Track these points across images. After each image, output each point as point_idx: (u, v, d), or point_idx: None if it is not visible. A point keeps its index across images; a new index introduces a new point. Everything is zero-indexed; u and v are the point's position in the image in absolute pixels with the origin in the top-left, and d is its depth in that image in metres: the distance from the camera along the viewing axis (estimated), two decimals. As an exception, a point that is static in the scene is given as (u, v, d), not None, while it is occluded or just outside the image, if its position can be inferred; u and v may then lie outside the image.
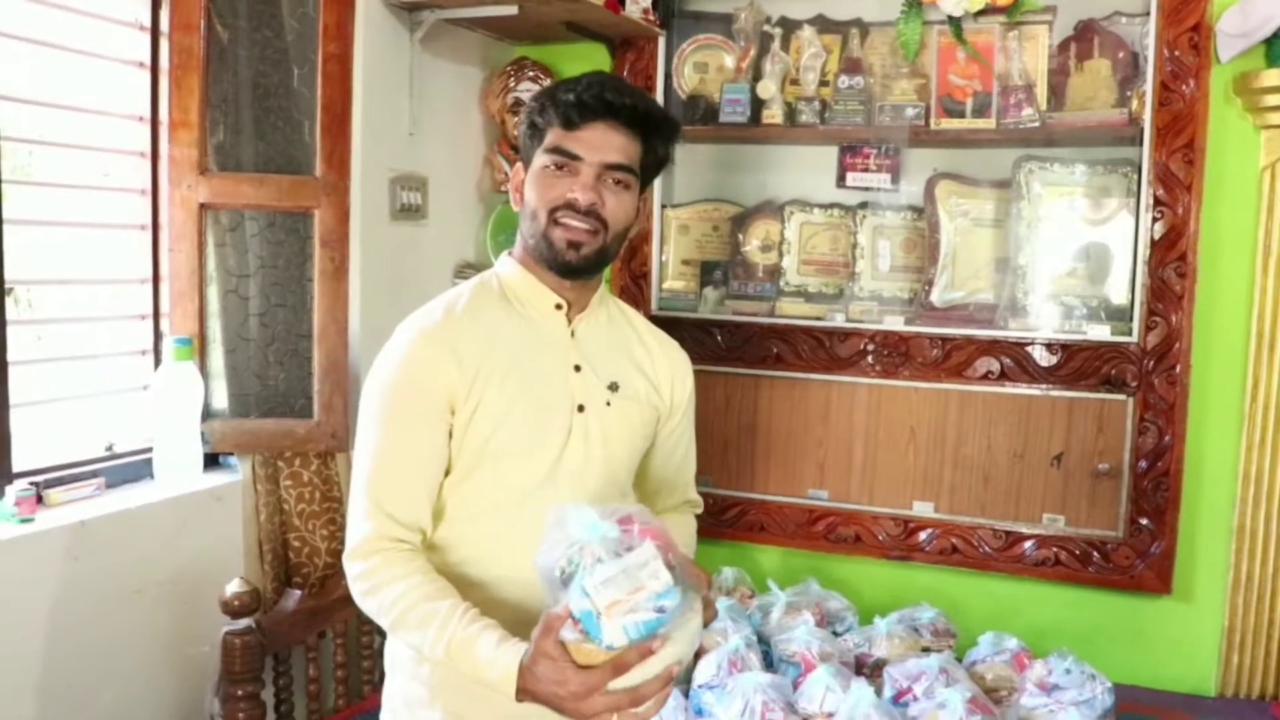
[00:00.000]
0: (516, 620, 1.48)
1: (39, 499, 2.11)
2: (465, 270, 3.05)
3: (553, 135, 1.58)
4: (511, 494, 1.59)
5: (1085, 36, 2.69)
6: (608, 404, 1.65)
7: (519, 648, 1.40)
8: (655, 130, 1.63)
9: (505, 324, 1.63)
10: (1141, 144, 2.58)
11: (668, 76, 3.01)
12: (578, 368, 1.63)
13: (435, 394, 1.56)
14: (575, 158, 1.57)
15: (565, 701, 1.35)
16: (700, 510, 1.90)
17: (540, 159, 1.60)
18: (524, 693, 1.38)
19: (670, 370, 1.77)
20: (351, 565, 1.54)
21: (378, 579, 1.51)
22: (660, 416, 1.75)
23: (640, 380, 1.71)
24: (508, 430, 1.57)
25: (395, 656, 1.66)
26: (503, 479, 1.58)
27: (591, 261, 1.61)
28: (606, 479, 1.65)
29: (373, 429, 1.57)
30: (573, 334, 1.65)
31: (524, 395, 1.58)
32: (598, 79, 1.59)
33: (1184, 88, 2.52)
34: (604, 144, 1.58)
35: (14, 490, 2.05)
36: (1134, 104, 2.61)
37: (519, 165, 1.65)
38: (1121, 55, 2.66)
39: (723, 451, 2.97)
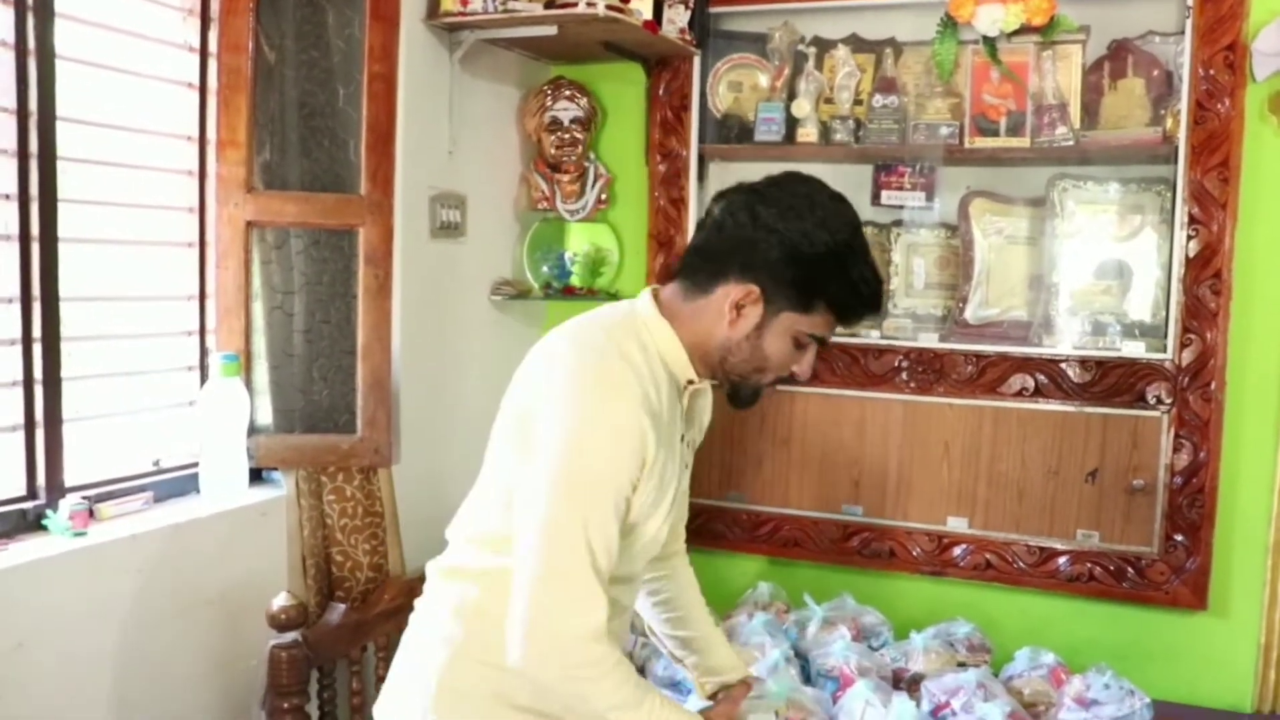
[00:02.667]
0: None
1: (91, 513, 2.13)
2: (502, 287, 3.08)
3: (824, 320, 1.60)
4: (632, 565, 1.65)
5: (1119, 56, 2.71)
6: (687, 465, 1.70)
7: None
8: None
9: (664, 393, 1.60)
10: (1176, 162, 2.59)
11: (702, 96, 3.04)
12: (683, 437, 1.65)
13: (635, 468, 1.54)
14: (823, 344, 1.64)
15: None
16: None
17: (799, 328, 1.60)
18: None
19: (709, 410, 1.80)
20: (594, 646, 1.51)
21: (612, 661, 1.54)
22: None
23: (698, 433, 1.76)
24: (649, 508, 1.59)
25: (469, 692, 1.66)
26: (629, 550, 1.61)
27: None
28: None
29: (585, 495, 1.51)
30: (685, 406, 1.67)
31: (665, 472, 1.60)
32: (880, 279, 1.62)
33: (1219, 106, 2.54)
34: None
35: (67, 504, 2.08)
36: (1168, 122, 2.62)
37: (755, 291, 1.57)
38: (1155, 74, 2.68)
39: (757, 467, 2.99)
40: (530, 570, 1.50)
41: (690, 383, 1.65)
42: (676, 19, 2.87)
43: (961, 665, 2.49)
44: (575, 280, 3.15)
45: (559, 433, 1.50)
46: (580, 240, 3.22)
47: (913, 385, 2.83)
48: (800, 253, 1.54)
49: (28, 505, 2.09)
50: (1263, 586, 2.63)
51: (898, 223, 2.94)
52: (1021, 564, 2.78)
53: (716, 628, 2.03)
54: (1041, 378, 2.73)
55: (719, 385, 1.70)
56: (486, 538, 1.65)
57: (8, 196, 2.02)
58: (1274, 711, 2.62)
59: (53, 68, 2.07)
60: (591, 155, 3.16)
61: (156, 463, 2.39)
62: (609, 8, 2.58)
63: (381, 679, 2.45)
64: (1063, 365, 2.71)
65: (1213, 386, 2.59)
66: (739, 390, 1.67)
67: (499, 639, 1.61)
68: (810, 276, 1.55)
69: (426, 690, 1.64)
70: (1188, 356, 2.61)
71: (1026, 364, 2.75)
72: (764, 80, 3.04)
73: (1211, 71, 2.54)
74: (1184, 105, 2.57)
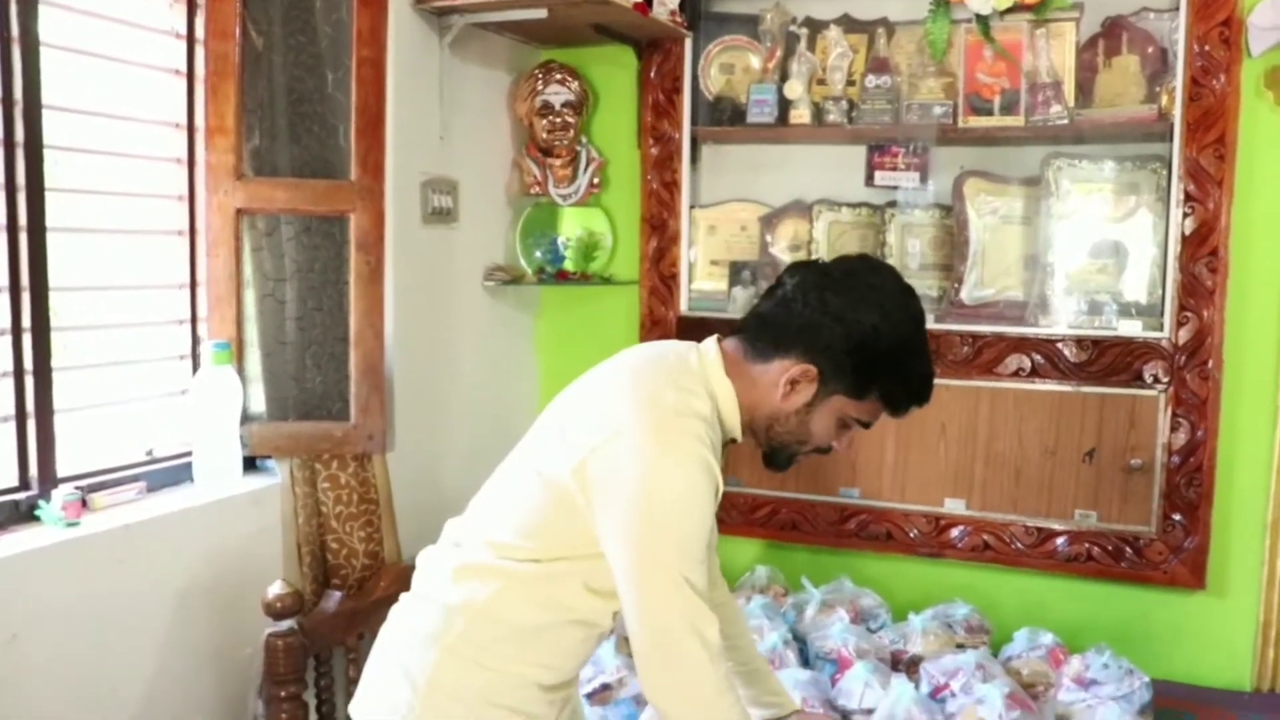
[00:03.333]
0: None
1: (83, 503, 2.12)
2: (495, 273, 3.06)
3: (874, 408, 1.67)
4: None
5: (1113, 33, 2.70)
6: None
7: None
8: None
9: (719, 447, 1.64)
10: (1171, 140, 2.58)
11: (694, 78, 3.02)
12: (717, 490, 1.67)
13: (712, 515, 1.61)
14: (868, 427, 1.70)
15: None
16: None
17: (849, 412, 1.67)
18: None
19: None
20: (718, 667, 1.57)
21: (729, 693, 1.59)
22: None
23: None
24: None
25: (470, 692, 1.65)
26: None
27: None
28: None
29: (678, 547, 1.55)
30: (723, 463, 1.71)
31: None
32: (933, 376, 1.68)
33: (1214, 82, 2.52)
34: None
35: (60, 495, 2.07)
36: (1163, 100, 2.61)
37: (812, 371, 1.63)
38: (1150, 51, 2.66)
39: (753, 451, 2.96)
40: (641, 620, 1.56)
41: (734, 440, 1.70)
42: (667, 1, 2.85)
43: (960, 647, 2.49)
44: (569, 265, 3.14)
45: (646, 490, 1.53)
46: (573, 225, 3.20)
47: (908, 367, 2.82)
48: (863, 346, 1.60)
49: (20, 496, 2.07)
50: (1261, 565, 2.63)
51: (892, 203, 2.93)
52: (1019, 545, 2.77)
53: (764, 659, 2.05)
54: (1038, 358, 2.72)
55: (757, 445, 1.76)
56: (502, 545, 1.65)
57: (-6, 186, 2.00)
58: (1273, 690, 2.62)
59: (37, 55, 2.05)
60: (583, 139, 3.14)
61: (149, 452, 2.38)
62: (599, -11, 2.56)
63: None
64: (1059, 345, 2.70)
65: (1210, 365, 2.58)
66: (776, 455, 1.74)
67: (497, 641, 1.62)
68: (869, 369, 1.62)
69: (414, 689, 1.63)
70: (1185, 335, 2.60)
71: (1023, 344, 2.74)
72: (756, 62, 3.02)
73: (1207, 47, 2.52)
74: (1179, 82, 2.56)
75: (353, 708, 1.73)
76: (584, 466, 1.57)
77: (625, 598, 1.56)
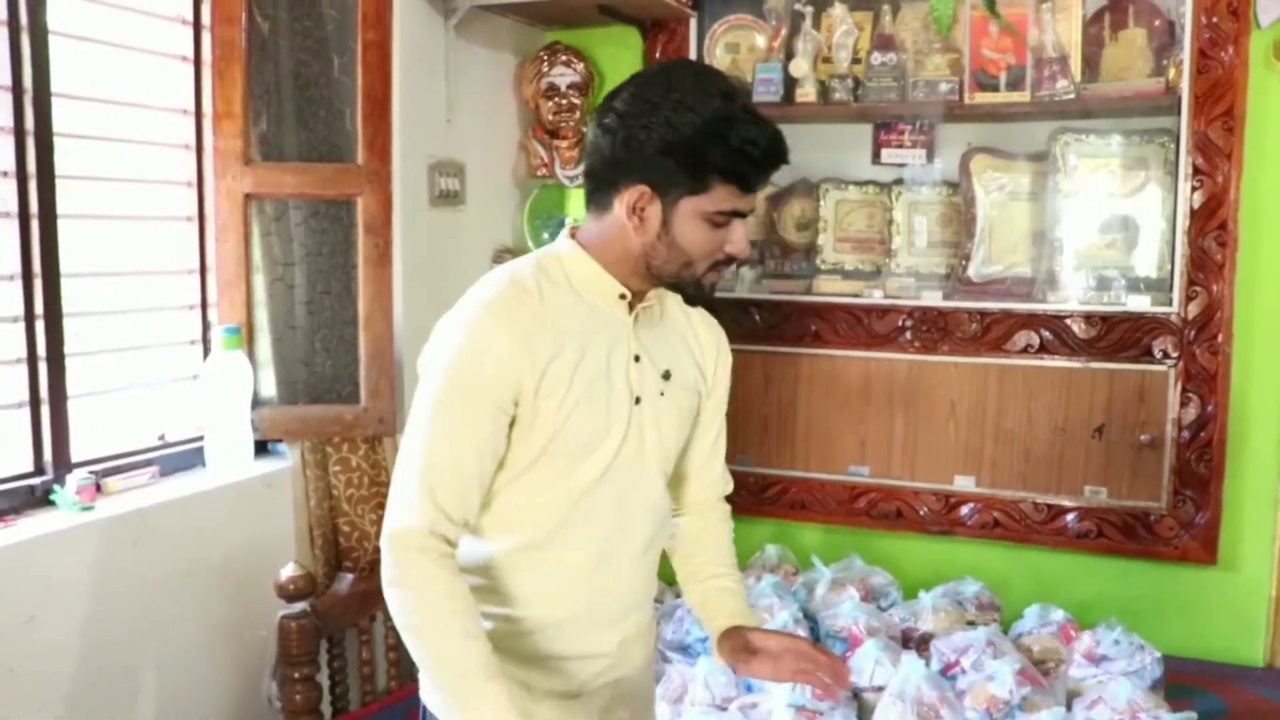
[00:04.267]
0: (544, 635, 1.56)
1: (97, 488, 2.14)
2: (503, 255, 3.07)
3: (726, 193, 1.50)
4: (565, 495, 1.54)
5: (1120, 6, 2.68)
6: (661, 394, 1.61)
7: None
8: None
9: (574, 311, 1.55)
10: (1179, 113, 2.56)
11: (699, 58, 3.01)
12: (637, 358, 1.58)
13: (503, 382, 1.49)
14: (741, 215, 1.56)
15: None
16: (729, 490, 1.84)
17: (705, 209, 1.52)
18: None
19: (716, 349, 1.74)
20: (391, 552, 1.46)
21: (416, 575, 1.46)
22: (702, 399, 1.72)
23: (690, 364, 1.68)
24: (570, 429, 1.52)
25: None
26: (558, 479, 1.54)
27: None
28: (657, 472, 1.62)
29: (430, 412, 1.49)
30: (635, 321, 1.60)
31: (588, 391, 1.53)
32: (771, 135, 1.51)
33: (1222, 54, 2.50)
34: (757, 196, 1.58)
35: (74, 479, 2.09)
36: (1171, 73, 2.59)
37: (645, 190, 1.51)
38: (1157, 24, 2.65)
39: (763, 430, 2.99)
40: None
41: (623, 297, 1.59)
42: (672, -19, 2.85)
43: (970, 624, 2.49)
44: (577, 247, 3.14)
45: (424, 362, 1.52)
46: (580, 206, 3.19)
47: (917, 344, 2.82)
48: (669, 140, 1.49)
49: (35, 481, 2.10)
50: (1273, 540, 2.62)
51: (899, 181, 2.92)
52: (1029, 521, 2.77)
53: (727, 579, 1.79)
54: (1047, 334, 2.72)
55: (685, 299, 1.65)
56: None
57: (5, 174, 2.02)
58: (1285, 664, 2.62)
59: (46, 44, 2.07)
60: (589, 120, 3.13)
61: (162, 437, 2.40)
62: (604, -30, 2.56)
63: (391, 648, 2.47)
64: (1068, 321, 2.70)
65: (1219, 339, 2.57)
66: (684, 289, 1.61)
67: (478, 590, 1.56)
68: (690, 158, 1.50)
69: None
70: (1194, 309, 2.59)
71: (1031, 321, 2.73)
72: (761, 41, 3.01)
73: (1214, 19, 2.50)
74: (1186, 54, 2.54)
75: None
76: None
77: None
